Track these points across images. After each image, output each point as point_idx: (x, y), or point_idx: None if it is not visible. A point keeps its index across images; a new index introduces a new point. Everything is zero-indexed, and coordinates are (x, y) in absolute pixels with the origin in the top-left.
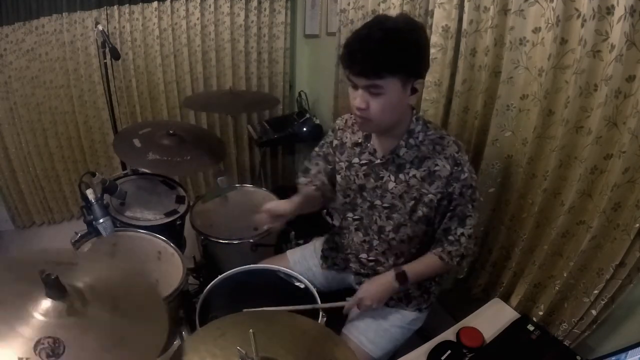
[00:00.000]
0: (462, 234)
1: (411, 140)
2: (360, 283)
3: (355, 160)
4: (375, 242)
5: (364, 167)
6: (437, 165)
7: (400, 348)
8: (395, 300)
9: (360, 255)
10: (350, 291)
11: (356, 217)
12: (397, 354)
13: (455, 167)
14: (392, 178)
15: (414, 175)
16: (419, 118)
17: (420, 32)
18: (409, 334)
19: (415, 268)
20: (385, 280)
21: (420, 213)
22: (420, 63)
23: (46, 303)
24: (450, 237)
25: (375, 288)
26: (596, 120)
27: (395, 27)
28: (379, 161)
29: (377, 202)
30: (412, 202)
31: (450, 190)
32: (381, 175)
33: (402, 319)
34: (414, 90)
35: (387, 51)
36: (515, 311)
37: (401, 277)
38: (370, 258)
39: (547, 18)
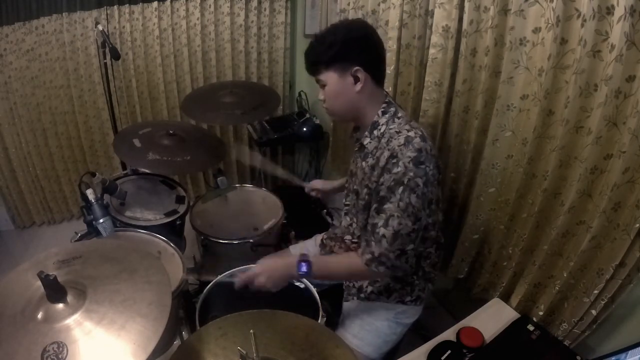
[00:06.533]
0: (384, 235)
1: (375, 132)
2: None
3: (355, 147)
4: (354, 226)
5: (355, 154)
6: (382, 155)
7: (400, 348)
8: (376, 293)
9: (345, 237)
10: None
11: (347, 202)
12: (396, 354)
13: (390, 159)
14: (360, 165)
15: (368, 164)
16: (386, 112)
17: (351, 30)
18: (399, 328)
19: (326, 259)
20: (288, 261)
21: (363, 202)
22: (349, 55)
23: (48, 308)
24: (374, 235)
25: (274, 264)
26: (596, 120)
27: (328, 30)
28: (356, 149)
29: (354, 187)
30: (365, 189)
31: (382, 182)
32: (357, 162)
33: (386, 312)
34: (357, 79)
35: (316, 51)
36: (515, 311)
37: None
38: (354, 240)
39: (547, 18)
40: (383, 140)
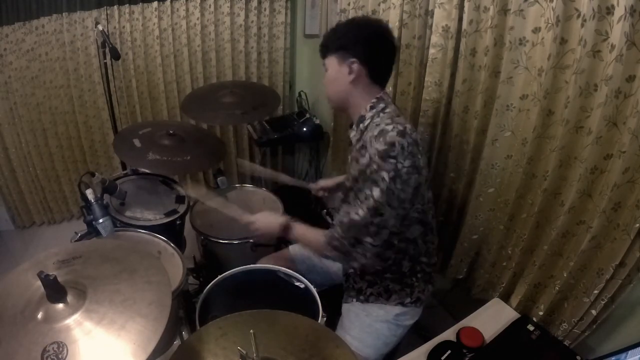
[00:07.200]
0: (341, 221)
1: (360, 126)
2: (346, 272)
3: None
4: None
5: (349, 150)
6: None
7: (400, 348)
8: (375, 295)
9: None
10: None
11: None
12: (396, 354)
13: (361, 149)
14: (350, 159)
15: (352, 157)
16: (374, 107)
17: (361, 26)
18: (399, 330)
19: (305, 229)
20: (279, 218)
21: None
22: (351, 46)
23: (48, 308)
24: (336, 219)
25: (267, 218)
26: (596, 120)
27: (347, 20)
28: (350, 145)
29: (348, 184)
30: (349, 182)
31: (354, 173)
32: (349, 158)
33: (386, 314)
34: (351, 70)
35: (328, 36)
36: (515, 311)
37: (288, 227)
38: None
39: (547, 18)
40: (365, 134)
